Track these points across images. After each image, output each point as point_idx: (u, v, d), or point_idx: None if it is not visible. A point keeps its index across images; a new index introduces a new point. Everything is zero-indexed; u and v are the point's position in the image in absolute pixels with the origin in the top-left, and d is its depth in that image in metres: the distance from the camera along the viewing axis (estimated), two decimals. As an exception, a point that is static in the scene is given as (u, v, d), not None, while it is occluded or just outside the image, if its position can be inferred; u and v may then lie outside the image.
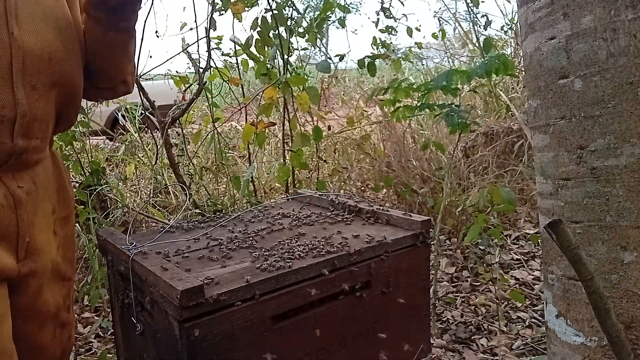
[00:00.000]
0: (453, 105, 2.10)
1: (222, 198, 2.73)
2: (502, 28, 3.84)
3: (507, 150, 3.43)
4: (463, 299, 2.26)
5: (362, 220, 1.37)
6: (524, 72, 3.56)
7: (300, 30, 2.81)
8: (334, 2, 2.96)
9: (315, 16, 2.97)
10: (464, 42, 4.55)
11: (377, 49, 3.69)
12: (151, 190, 3.48)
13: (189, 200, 2.74)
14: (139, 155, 3.54)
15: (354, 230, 1.26)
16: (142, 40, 2.26)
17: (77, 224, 2.22)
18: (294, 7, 2.64)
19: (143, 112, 2.88)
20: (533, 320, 2.03)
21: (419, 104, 2.29)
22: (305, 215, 1.41)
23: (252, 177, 2.35)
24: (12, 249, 0.84)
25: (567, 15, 0.84)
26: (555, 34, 0.87)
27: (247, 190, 2.37)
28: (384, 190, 3.46)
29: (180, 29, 2.50)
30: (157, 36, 2.65)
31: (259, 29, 2.23)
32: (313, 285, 1.04)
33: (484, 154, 3.28)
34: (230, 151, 3.96)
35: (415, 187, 3.09)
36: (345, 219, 1.37)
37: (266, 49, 2.38)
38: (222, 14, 2.64)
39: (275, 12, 2.42)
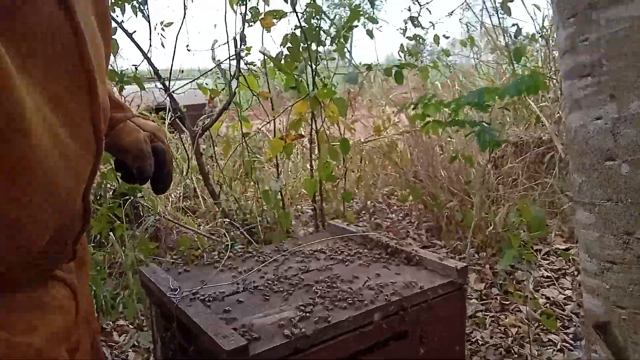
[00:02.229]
0: (484, 123, 2.08)
1: (250, 206, 2.75)
2: (531, 37, 3.77)
3: (537, 161, 3.37)
4: (492, 319, 2.23)
5: (397, 260, 1.36)
6: (557, 83, 3.51)
7: (328, 40, 2.82)
8: (360, 11, 2.96)
9: (342, 25, 2.97)
10: (492, 48, 4.49)
11: (404, 56, 3.67)
12: (180, 194, 3.54)
13: (219, 209, 2.77)
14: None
15: (390, 274, 1.25)
16: (174, 55, 2.29)
17: (111, 234, 2.27)
18: (322, 16, 2.64)
19: (172, 115, 2.92)
20: (565, 344, 2.00)
21: (449, 121, 2.28)
22: (339, 251, 1.40)
23: (280, 189, 2.36)
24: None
25: (615, 98, 0.82)
26: (602, 115, 0.85)
27: (274, 203, 2.38)
28: (409, 197, 3.44)
29: (212, 47, 2.53)
30: (189, 50, 2.68)
31: (289, 44, 2.24)
32: (352, 338, 1.05)
33: (513, 165, 3.23)
34: (257, 156, 4.00)
35: (443, 198, 3.07)
36: (380, 258, 1.36)
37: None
38: (251, 26, 2.67)
39: (304, 25, 2.43)
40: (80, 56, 0.58)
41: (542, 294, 2.45)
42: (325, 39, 2.83)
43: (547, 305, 2.34)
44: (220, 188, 2.75)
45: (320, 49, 2.74)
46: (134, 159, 0.84)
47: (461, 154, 2.92)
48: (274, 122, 2.41)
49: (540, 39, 3.82)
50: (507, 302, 2.38)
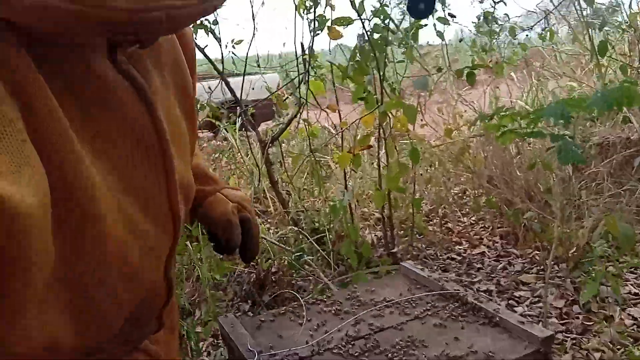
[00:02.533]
0: (567, 137, 1.94)
1: (319, 216, 2.76)
2: (619, 27, 3.48)
3: (625, 164, 3.13)
4: (574, 341, 2.11)
5: (476, 318, 1.28)
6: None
7: (395, 43, 2.75)
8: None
9: (410, 25, 2.88)
10: (575, 38, 4.20)
11: (476, 54, 3.52)
12: (251, 195, 3.62)
13: (288, 217, 2.80)
14: (239, 167, 3.68)
15: (469, 338, 1.17)
16: (245, 69, 2.32)
17: (188, 245, 2.36)
18: (390, 22, 2.58)
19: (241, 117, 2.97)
20: (656, 374, 1.86)
21: (527, 132, 2.16)
22: (414, 304, 1.34)
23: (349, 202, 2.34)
24: None
25: None
26: None
27: (343, 215, 2.38)
28: (483, 204, 3.31)
29: (283, 66, 2.54)
30: (258, 65, 2.71)
31: (357, 57, 2.20)
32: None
33: (598, 169, 3.02)
34: (324, 157, 4.00)
35: (520, 206, 2.93)
36: (458, 316, 1.28)
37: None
38: (319, 34, 2.65)
39: (373, 35, 2.38)
40: (160, 144, 0.60)
41: (629, 314, 2.29)
42: (392, 41, 2.76)
43: (635, 327, 2.18)
44: (289, 196, 2.78)
45: (388, 49, 2.68)
46: (222, 230, 0.88)
47: (539, 160, 2.77)
48: (342, 134, 2.40)
49: (628, 28, 3.52)
50: (590, 323, 2.24)
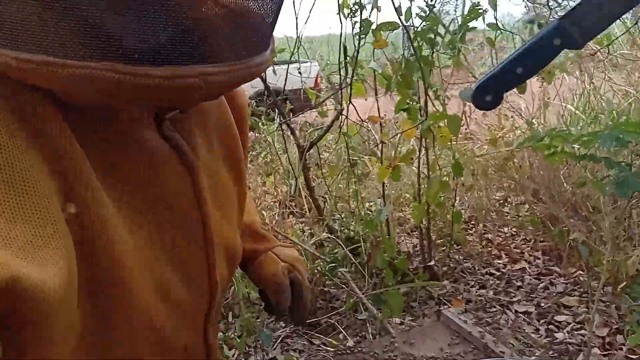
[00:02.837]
0: (623, 164, 1.82)
1: (355, 223, 2.72)
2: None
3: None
4: (616, 378, 2.01)
5: None
6: None
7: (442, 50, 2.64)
8: (480, 10, 2.72)
9: (457, 28, 2.76)
10: (634, 42, 3.96)
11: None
12: (288, 193, 3.60)
13: (323, 224, 2.77)
14: (276, 168, 3.66)
15: None
16: (286, 77, 2.27)
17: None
18: (439, 28, 2.48)
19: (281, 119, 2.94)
20: None
21: (581, 155, 2.04)
22: None
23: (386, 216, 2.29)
24: None
25: None
26: None
27: (379, 231, 2.32)
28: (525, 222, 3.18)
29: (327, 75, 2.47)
30: (300, 73, 2.66)
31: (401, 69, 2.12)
32: None
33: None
34: (359, 155, 3.94)
35: (565, 223, 2.79)
36: None
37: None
38: (363, 38, 2.57)
39: (419, 43, 2.29)
40: (200, 211, 0.60)
41: (680, 349, 2.16)
42: (439, 48, 2.66)
43: (686, 365, 2.06)
44: (325, 203, 2.74)
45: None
46: (272, 292, 0.87)
47: (590, 177, 2.63)
48: (382, 146, 2.33)
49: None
50: (634, 356, 2.13)
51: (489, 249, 3.17)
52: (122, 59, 0.42)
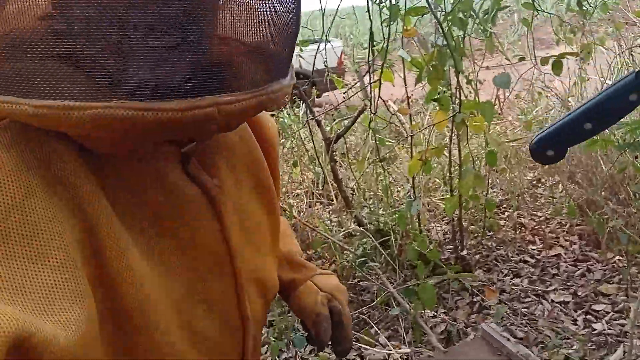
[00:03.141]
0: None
1: (384, 218, 2.68)
2: None
3: None
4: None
5: None
6: None
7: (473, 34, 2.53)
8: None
9: (490, 6, 2.64)
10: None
11: (562, 35, 3.20)
12: (315, 181, 3.58)
13: (352, 217, 2.75)
14: (301, 155, 3.62)
15: None
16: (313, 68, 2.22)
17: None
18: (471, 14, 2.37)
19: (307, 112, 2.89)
20: None
21: (625, 143, 1.94)
22: None
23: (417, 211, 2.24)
24: None
25: None
26: None
27: (410, 223, 2.28)
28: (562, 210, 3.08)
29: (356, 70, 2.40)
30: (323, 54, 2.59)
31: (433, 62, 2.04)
32: None
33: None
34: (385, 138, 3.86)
35: (604, 208, 2.70)
36: None
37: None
38: (392, 24, 2.48)
39: (449, 24, 2.19)
40: (228, 248, 0.60)
41: None
42: (472, 30, 2.55)
43: None
44: (353, 195, 2.71)
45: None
46: (312, 323, 0.85)
47: (632, 162, 2.53)
48: (411, 139, 2.26)
49: None
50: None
51: (523, 234, 3.10)
52: (134, 96, 0.42)
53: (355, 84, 2.95)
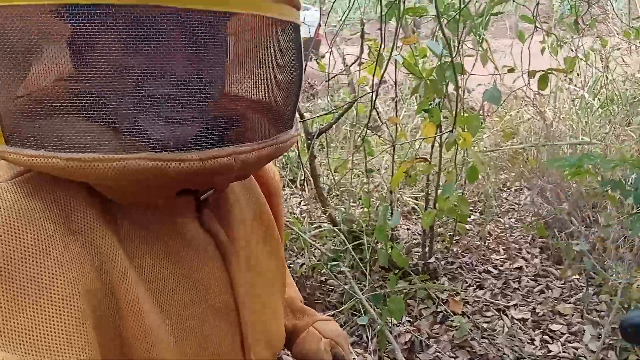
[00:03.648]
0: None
1: (360, 221, 2.64)
2: None
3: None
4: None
5: None
6: None
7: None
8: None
9: (482, 11, 2.58)
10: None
11: (549, 45, 3.18)
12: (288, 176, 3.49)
13: (326, 215, 2.70)
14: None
15: None
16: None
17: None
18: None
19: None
20: None
21: (606, 182, 1.96)
22: None
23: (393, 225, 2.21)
24: None
25: None
26: None
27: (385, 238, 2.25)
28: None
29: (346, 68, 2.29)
30: (316, 60, 2.46)
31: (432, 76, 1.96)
32: None
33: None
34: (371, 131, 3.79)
35: (571, 229, 2.76)
36: None
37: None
38: (389, 21, 2.38)
39: (450, 40, 2.12)
40: (234, 300, 0.62)
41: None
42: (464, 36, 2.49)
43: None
44: (329, 194, 2.65)
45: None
46: None
47: (604, 188, 2.57)
48: (394, 149, 2.20)
49: None
50: (628, 378, 2.17)
51: (488, 241, 3.14)
52: (158, 148, 0.45)
53: (342, 72, 2.84)
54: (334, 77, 2.98)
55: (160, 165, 0.44)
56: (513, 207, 3.60)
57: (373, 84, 2.13)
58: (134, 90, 0.44)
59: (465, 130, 2.19)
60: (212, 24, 0.46)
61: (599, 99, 3.85)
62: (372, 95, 2.05)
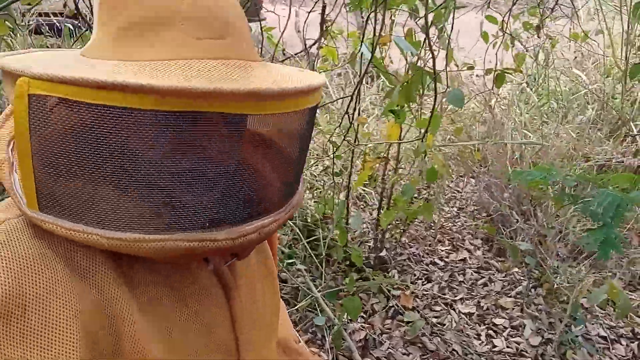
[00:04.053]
0: (609, 221, 1.81)
1: (310, 211, 2.58)
2: None
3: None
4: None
5: None
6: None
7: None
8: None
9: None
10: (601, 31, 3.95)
11: (509, 45, 3.22)
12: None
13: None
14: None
15: None
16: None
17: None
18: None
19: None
20: None
21: (556, 195, 2.02)
22: None
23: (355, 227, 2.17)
24: None
25: None
26: None
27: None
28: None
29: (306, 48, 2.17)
30: (284, 53, 2.30)
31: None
32: None
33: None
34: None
35: (514, 227, 2.86)
36: None
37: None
38: (351, 10, 2.28)
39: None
40: (237, 346, 0.65)
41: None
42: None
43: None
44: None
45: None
46: None
47: (552, 196, 2.67)
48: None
49: None
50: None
51: (433, 230, 3.21)
52: (192, 229, 0.47)
53: (300, 53, 2.72)
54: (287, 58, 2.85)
55: (195, 246, 0.46)
56: (455, 195, 3.69)
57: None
58: (183, 177, 0.46)
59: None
60: (254, 124, 0.56)
61: (539, 94, 3.99)
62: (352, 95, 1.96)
